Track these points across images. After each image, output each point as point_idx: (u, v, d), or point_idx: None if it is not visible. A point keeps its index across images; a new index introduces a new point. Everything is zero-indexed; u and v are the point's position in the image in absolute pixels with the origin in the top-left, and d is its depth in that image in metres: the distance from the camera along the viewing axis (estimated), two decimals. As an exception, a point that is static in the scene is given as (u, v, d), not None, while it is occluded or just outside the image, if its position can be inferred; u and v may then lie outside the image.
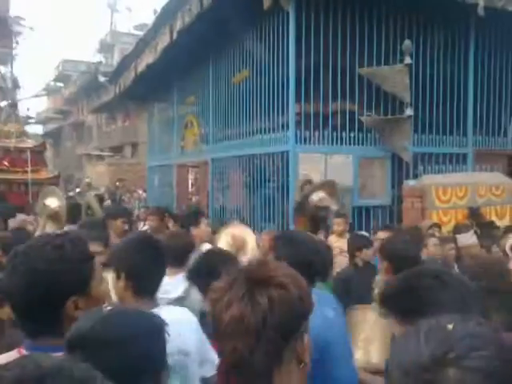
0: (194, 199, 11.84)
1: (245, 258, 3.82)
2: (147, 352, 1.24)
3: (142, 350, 1.22)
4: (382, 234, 5.81)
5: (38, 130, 42.97)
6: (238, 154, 7.89)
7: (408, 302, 1.44)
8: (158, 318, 1.36)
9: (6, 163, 9.68)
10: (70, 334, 1.20)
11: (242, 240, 3.83)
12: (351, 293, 3.82)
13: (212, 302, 1.17)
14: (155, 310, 2.06)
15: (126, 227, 5.32)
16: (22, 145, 10.01)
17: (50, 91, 47.96)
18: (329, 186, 4.22)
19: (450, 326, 0.87)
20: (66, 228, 4.89)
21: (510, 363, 0.82)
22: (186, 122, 10.84)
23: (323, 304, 1.95)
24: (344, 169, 6.71)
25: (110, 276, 2.10)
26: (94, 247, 1.97)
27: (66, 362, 0.86)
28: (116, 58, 31.32)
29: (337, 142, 6.74)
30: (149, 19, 16.28)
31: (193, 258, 3.10)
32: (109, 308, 1.30)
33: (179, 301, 2.91)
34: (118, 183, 21.04)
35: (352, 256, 4.39)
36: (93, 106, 33.07)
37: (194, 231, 4.49)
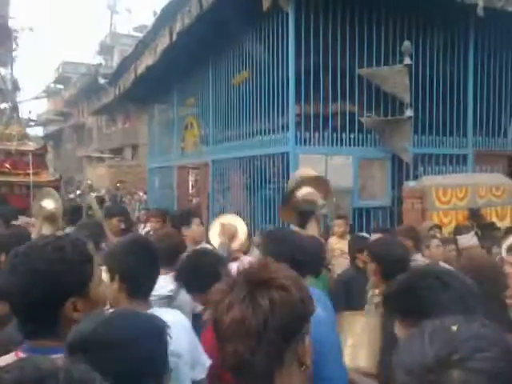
0: (194, 201, 11.85)
1: (235, 245, 3.83)
2: (149, 354, 1.24)
3: (143, 352, 1.22)
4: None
5: (38, 132, 42.99)
6: (239, 155, 7.89)
7: (409, 302, 1.44)
8: (159, 321, 1.36)
9: (7, 166, 9.70)
10: (71, 337, 1.20)
11: (231, 228, 3.82)
12: (352, 294, 3.82)
13: (213, 304, 1.17)
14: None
15: (123, 226, 5.34)
16: (23, 147, 10.02)
17: (50, 93, 48.02)
18: (319, 182, 4.19)
19: (455, 328, 0.87)
20: (68, 230, 4.90)
21: None
22: (186, 123, 10.85)
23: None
24: (344, 170, 6.71)
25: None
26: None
27: (65, 363, 0.86)
28: (116, 60, 31.34)
29: (337, 143, 6.74)
30: (148, 21, 16.29)
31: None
32: (110, 311, 1.30)
33: (168, 300, 2.91)
34: (118, 185, 21.07)
35: (353, 258, 4.38)
36: (93, 108, 33.10)
37: (186, 232, 4.51)
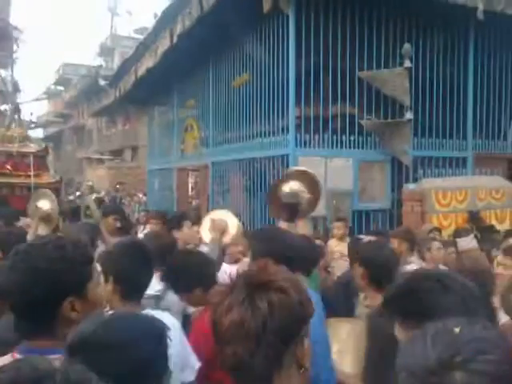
0: (194, 203, 11.84)
1: (227, 239, 3.82)
2: (149, 356, 1.24)
3: (143, 354, 1.23)
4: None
5: (38, 133, 43.00)
6: (238, 157, 7.90)
7: (409, 304, 1.44)
8: (159, 322, 1.36)
9: (8, 167, 9.72)
10: (71, 338, 1.20)
11: (221, 223, 3.81)
12: (352, 297, 3.81)
13: (212, 307, 1.17)
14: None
15: (118, 224, 5.35)
16: (24, 149, 10.05)
17: (50, 95, 48.04)
18: (306, 177, 4.18)
19: (457, 330, 0.87)
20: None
21: None
22: (186, 125, 10.85)
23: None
24: (344, 172, 6.71)
25: None
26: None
27: (62, 364, 0.86)
28: (116, 62, 31.35)
29: (337, 146, 6.74)
30: (149, 23, 16.31)
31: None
32: (110, 312, 1.30)
33: (155, 300, 2.91)
34: (118, 186, 21.06)
35: (352, 260, 4.37)
36: (93, 110, 33.10)
37: (177, 234, 4.52)
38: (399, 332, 1.47)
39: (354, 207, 6.79)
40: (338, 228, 5.75)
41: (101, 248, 3.93)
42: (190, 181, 12.34)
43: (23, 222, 5.60)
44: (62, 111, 45.45)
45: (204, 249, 3.78)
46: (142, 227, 7.33)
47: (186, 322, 2.84)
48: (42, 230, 4.88)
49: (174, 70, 9.68)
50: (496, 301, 2.58)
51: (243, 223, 7.37)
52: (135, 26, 39.61)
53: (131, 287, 2.18)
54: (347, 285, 4.12)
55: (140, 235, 5.54)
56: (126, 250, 2.32)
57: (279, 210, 3.98)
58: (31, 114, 40.24)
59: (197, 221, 7.07)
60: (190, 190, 12.52)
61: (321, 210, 6.55)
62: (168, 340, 1.32)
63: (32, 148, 10.28)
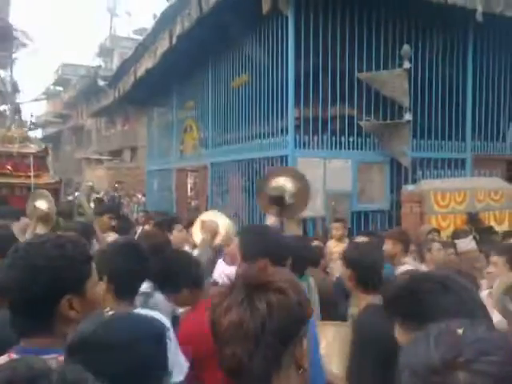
0: (193, 203, 11.84)
1: (217, 241, 3.83)
2: (149, 357, 1.24)
3: (143, 354, 1.23)
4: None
5: (37, 133, 42.98)
6: (238, 158, 7.90)
7: (409, 306, 1.44)
8: (159, 323, 1.36)
9: (9, 167, 9.75)
10: (71, 338, 1.20)
11: (212, 224, 3.82)
12: (350, 298, 3.81)
13: (211, 307, 1.17)
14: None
15: (113, 223, 5.39)
16: (25, 150, 10.08)
17: (49, 95, 48.01)
18: (293, 174, 4.18)
19: (460, 331, 0.87)
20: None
21: None
22: (186, 126, 10.86)
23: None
24: (343, 173, 6.71)
25: None
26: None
27: (58, 364, 0.87)
28: (115, 63, 31.35)
29: (336, 147, 6.75)
30: (148, 24, 16.31)
31: None
32: (110, 312, 1.30)
33: (144, 298, 2.92)
34: (117, 185, 21.07)
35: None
36: (92, 110, 33.09)
37: (169, 237, 4.53)
38: (399, 333, 1.47)
39: (353, 208, 6.80)
40: (337, 229, 5.75)
41: (95, 247, 3.95)
42: (189, 181, 12.34)
43: (23, 221, 5.63)
44: (61, 111, 45.44)
45: (195, 252, 3.79)
46: (141, 227, 7.34)
47: (175, 323, 2.84)
48: (41, 230, 4.91)
49: (173, 71, 9.68)
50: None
51: (242, 224, 7.38)
52: (134, 27, 39.57)
53: (125, 286, 2.21)
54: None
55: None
56: (120, 249, 2.35)
57: (266, 204, 3.98)
58: (31, 115, 40.18)
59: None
60: (189, 190, 12.51)
61: (320, 210, 6.57)
62: (168, 340, 1.33)
63: (32, 149, 10.30)
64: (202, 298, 2.63)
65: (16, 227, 5.25)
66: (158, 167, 12.63)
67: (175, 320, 2.99)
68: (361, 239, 4.48)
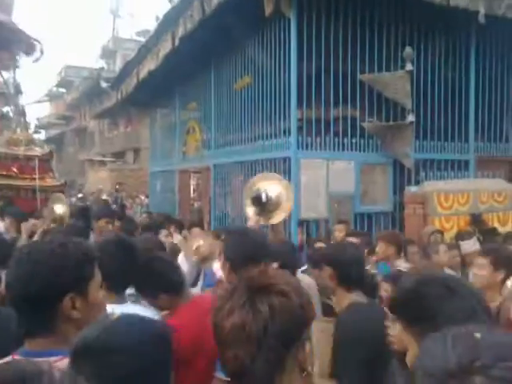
0: (195, 205, 11.85)
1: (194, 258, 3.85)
2: (152, 361, 1.24)
3: (147, 359, 1.22)
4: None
5: (40, 135, 43.12)
6: (240, 159, 7.90)
7: (416, 309, 1.44)
8: (163, 327, 1.36)
9: (14, 170, 9.86)
10: (75, 343, 1.21)
11: (205, 252, 3.85)
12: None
13: (213, 310, 1.17)
14: (121, 306, 2.12)
15: (111, 227, 5.46)
16: (30, 153, 10.19)
17: (52, 97, 48.13)
18: (277, 180, 4.19)
19: (478, 335, 0.86)
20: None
21: None
22: (188, 127, 10.86)
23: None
24: (345, 175, 6.70)
25: None
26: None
27: (48, 367, 0.87)
28: (118, 64, 31.45)
29: (338, 148, 6.74)
30: (151, 25, 16.35)
31: None
32: (115, 317, 1.30)
33: (136, 297, 2.94)
34: (117, 187, 21.10)
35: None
36: (95, 112, 33.16)
37: None
38: (403, 336, 1.46)
39: (356, 210, 6.79)
40: (340, 231, 5.75)
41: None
42: (192, 183, 12.36)
43: (30, 222, 5.78)
44: (64, 113, 45.54)
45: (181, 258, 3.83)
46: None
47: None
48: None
49: (175, 73, 9.69)
50: None
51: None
52: (137, 29, 39.76)
53: (115, 281, 2.25)
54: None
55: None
56: (110, 245, 2.42)
57: (250, 207, 4.00)
58: (37, 119, 40.38)
59: (199, 223, 7.12)
60: (191, 192, 12.53)
61: (322, 212, 6.57)
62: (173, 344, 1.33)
63: (37, 152, 10.40)
64: (181, 302, 2.66)
65: (24, 227, 5.46)
66: (161, 169, 12.63)
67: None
68: (352, 240, 4.47)
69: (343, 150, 6.75)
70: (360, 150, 6.86)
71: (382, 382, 2.12)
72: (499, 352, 0.82)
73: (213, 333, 1.17)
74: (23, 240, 4.70)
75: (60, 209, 5.58)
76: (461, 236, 5.32)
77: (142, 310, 2.35)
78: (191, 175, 11.85)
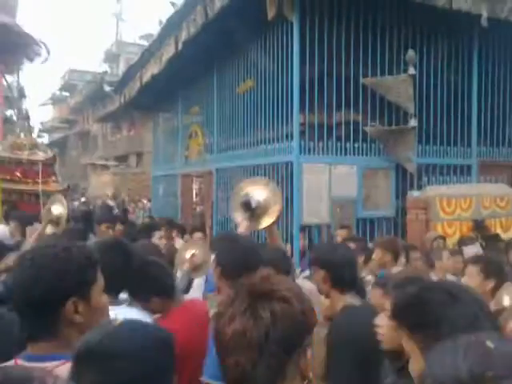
0: (198, 209, 11.85)
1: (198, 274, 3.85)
2: (155, 366, 1.24)
3: (149, 364, 1.22)
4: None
5: (43, 139, 43.22)
6: (243, 164, 7.90)
7: (418, 315, 1.43)
8: (166, 333, 1.36)
9: (18, 174, 9.92)
10: (78, 348, 1.21)
11: (197, 260, 3.85)
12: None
13: (215, 317, 1.17)
14: (117, 308, 2.14)
15: (111, 232, 5.47)
16: (33, 157, 10.26)
17: (55, 100, 48.32)
18: (264, 185, 4.17)
19: (491, 344, 0.85)
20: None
21: None
22: (191, 131, 10.88)
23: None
24: (348, 179, 6.70)
25: None
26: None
27: (40, 373, 0.86)
28: (121, 68, 31.53)
29: (341, 153, 6.73)
30: (154, 29, 16.37)
31: None
32: (118, 322, 1.30)
33: (130, 301, 2.96)
34: (109, 194, 21.15)
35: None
36: (98, 116, 33.27)
37: None
38: (406, 343, 1.46)
39: (358, 215, 6.77)
40: (342, 235, 5.74)
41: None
42: (195, 187, 12.35)
43: (36, 226, 5.81)
44: (68, 117, 45.72)
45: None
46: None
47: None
48: (50, 231, 5.17)
49: (178, 77, 9.71)
50: None
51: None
52: (140, 33, 39.86)
53: (109, 283, 2.26)
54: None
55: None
56: (105, 246, 2.43)
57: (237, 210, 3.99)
58: (41, 123, 40.49)
59: (201, 227, 7.12)
60: (194, 196, 12.52)
61: (325, 217, 6.56)
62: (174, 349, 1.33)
63: (41, 156, 10.46)
64: (173, 306, 2.69)
65: (29, 231, 5.49)
66: (164, 173, 12.65)
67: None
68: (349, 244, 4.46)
69: (345, 154, 6.74)
70: (362, 155, 6.85)
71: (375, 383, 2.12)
72: None
73: (214, 339, 1.16)
74: (28, 244, 4.72)
75: (57, 210, 5.51)
76: (463, 242, 5.31)
77: (137, 313, 2.37)
78: (193, 179, 11.84)
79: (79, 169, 37.20)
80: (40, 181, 9.76)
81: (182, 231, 6.70)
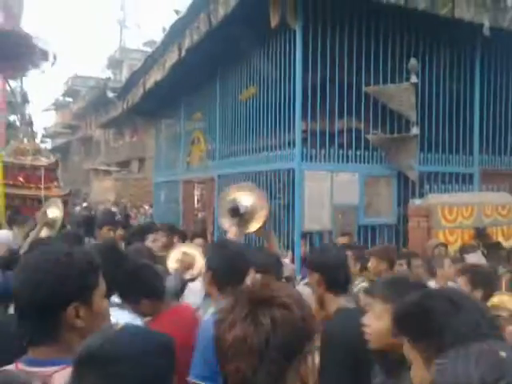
0: (199, 215, 11.85)
1: (189, 274, 3.86)
2: (156, 371, 1.24)
3: (150, 369, 1.22)
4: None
5: (46, 144, 43.29)
6: (244, 170, 7.90)
7: (421, 323, 1.42)
8: (166, 337, 1.36)
9: (21, 179, 9.98)
10: (79, 353, 1.21)
11: (188, 258, 3.86)
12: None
13: (216, 323, 1.17)
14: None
15: (112, 234, 5.49)
16: (36, 163, 10.33)
17: (58, 106, 48.47)
18: (250, 190, 4.18)
19: (503, 353, 0.84)
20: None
21: None
22: (193, 138, 10.89)
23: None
24: (350, 187, 6.70)
25: None
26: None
27: (35, 380, 0.87)
28: (124, 74, 31.61)
29: (343, 160, 6.74)
30: (158, 36, 16.46)
31: None
32: (119, 326, 1.31)
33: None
34: (111, 200, 21.20)
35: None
36: (101, 121, 33.37)
37: None
38: (408, 351, 1.45)
39: (360, 222, 6.77)
40: (343, 243, 5.73)
41: None
42: (196, 193, 12.36)
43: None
44: (70, 122, 45.86)
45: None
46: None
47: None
48: (44, 234, 5.23)
49: (181, 84, 9.74)
50: None
51: (247, 236, 7.36)
52: (144, 39, 39.98)
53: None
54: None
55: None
56: (99, 250, 2.47)
57: (226, 220, 4.00)
58: (44, 128, 40.61)
59: (202, 233, 7.11)
60: (195, 202, 12.53)
61: (326, 224, 6.55)
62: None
63: (43, 162, 10.52)
64: (163, 308, 2.73)
65: (32, 235, 5.52)
66: (165, 179, 12.66)
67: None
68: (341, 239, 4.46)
69: (347, 161, 6.75)
70: (364, 162, 6.86)
71: None
72: None
73: (215, 345, 1.17)
74: (26, 244, 4.74)
75: (53, 213, 5.52)
76: (465, 249, 5.30)
77: (128, 315, 2.38)
78: (195, 185, 11.85)
79: (81, 174, 37.25)
80: (42, 186, 9.81)
81: (183, 237, 6.69)
